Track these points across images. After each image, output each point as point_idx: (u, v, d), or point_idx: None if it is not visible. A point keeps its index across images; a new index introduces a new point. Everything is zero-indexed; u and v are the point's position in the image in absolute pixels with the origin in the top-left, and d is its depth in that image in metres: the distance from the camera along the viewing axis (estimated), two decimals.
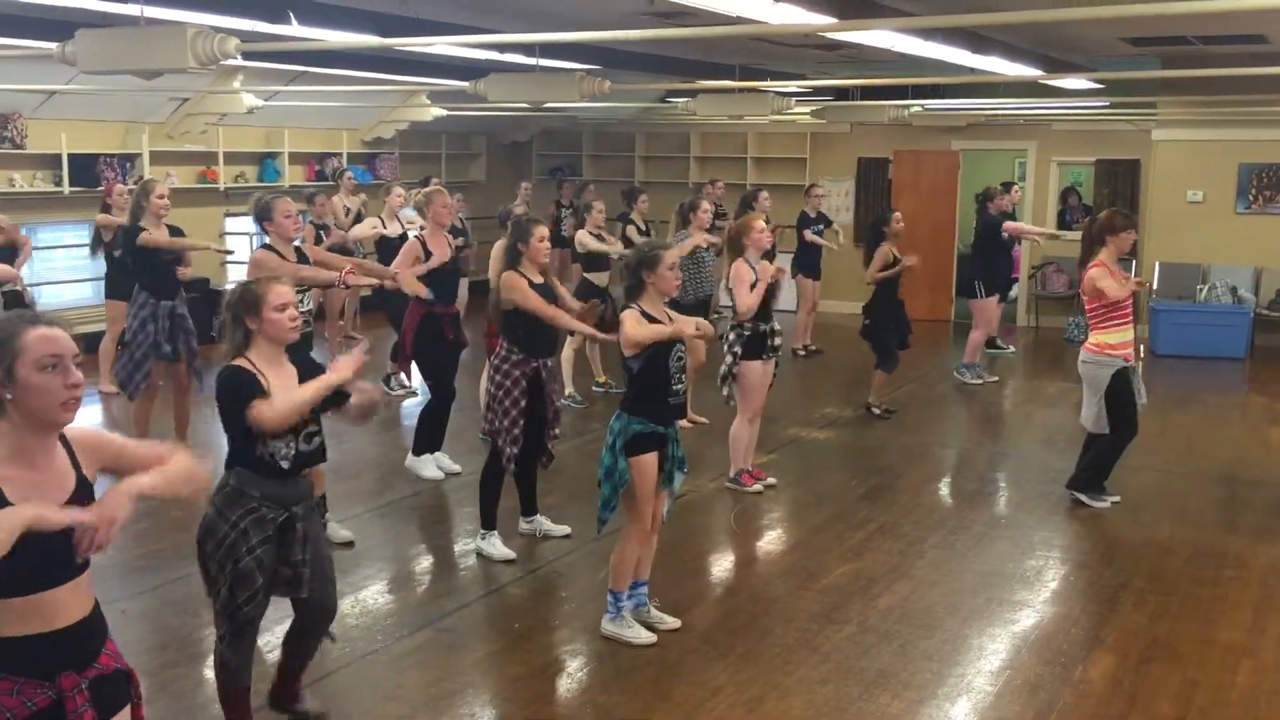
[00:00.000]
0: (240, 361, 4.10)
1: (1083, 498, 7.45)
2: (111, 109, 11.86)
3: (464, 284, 8.46)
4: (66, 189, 11.56)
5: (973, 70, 9.37)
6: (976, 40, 8.38)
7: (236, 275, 11.79)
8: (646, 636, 5.33)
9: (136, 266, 8.07)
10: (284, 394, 4.03)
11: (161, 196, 7.88)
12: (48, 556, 2.63)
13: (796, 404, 10.33)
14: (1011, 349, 13.31)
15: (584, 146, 17.71)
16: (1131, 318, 7.22)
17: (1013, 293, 14.70)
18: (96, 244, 10.03)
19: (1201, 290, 13.24)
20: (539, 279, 6.20)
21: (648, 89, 13.96)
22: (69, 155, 11.53)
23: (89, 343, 9.67)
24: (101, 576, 3.02)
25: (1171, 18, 8.07)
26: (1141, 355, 11.08)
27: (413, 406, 9.47)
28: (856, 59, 11.95)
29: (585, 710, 4.83)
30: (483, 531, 6.45)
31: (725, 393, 7.49)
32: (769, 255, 7.53)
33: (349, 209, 12.17)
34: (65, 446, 2.79)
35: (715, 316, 11.65)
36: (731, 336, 7.37)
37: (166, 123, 12.62)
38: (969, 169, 15.51)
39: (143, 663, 4.75)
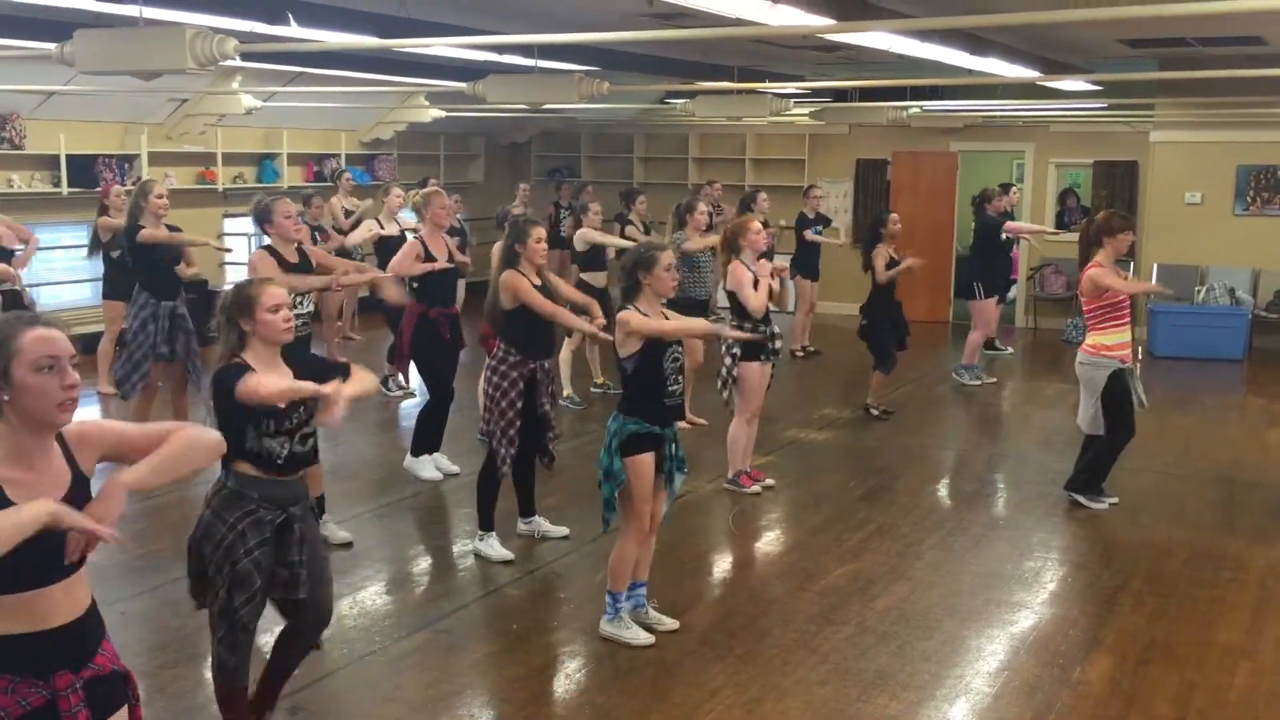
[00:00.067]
0: (235, 362, 4.10)
1: (1081, 499, 7.46)
2: (110, 110, 11.86)
3: (461, 285, 8.47)
4: (65, 190, 11.54)
5: (971, 72, 9.37)
6: (974, 42, 8.39)
7: (235, 276, 11.78)
8: (645, 638, 5.33)
9: (137, 265, 8.09)
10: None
11: (160, 196, 7.91)
12: (39, 555, 2.61)
13: (795, 405, 10.33)
14: (1010, 350, 13.30)
15: (583, 148, 17.69)
16: (1129, 319, 7.24)
17: (1011, 294, 14.68)
18: (94, 245, 10.02)
19: (1199, 292, 13.25)
20: (536, 280, 6.21)
21: (646, 90, 13.98)
22: (67, 156, 11.52)
23: (87, 344, 9.67)
24: (101, 577, 3.03)
25: (1169, 19, 8.08)
26: (1140, 357, 11.10)
27: (411, 407, 9.47)
28: (855, 60, 11.94)
29: (583, 711, 4.83)
30: (481, 533, 6.45)
31: (725, 396, 7.49)
32: (766, 256, 7.53)
33: (349, 210, 12.16)
34: (61, 444, 2.79)
35: (714, 317, 11.65)
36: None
37: (165, 123, 12.62)
38: (967, 170, 15.51)
39: (141, 663, 4.77)
